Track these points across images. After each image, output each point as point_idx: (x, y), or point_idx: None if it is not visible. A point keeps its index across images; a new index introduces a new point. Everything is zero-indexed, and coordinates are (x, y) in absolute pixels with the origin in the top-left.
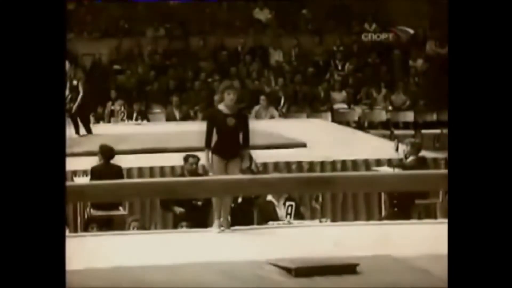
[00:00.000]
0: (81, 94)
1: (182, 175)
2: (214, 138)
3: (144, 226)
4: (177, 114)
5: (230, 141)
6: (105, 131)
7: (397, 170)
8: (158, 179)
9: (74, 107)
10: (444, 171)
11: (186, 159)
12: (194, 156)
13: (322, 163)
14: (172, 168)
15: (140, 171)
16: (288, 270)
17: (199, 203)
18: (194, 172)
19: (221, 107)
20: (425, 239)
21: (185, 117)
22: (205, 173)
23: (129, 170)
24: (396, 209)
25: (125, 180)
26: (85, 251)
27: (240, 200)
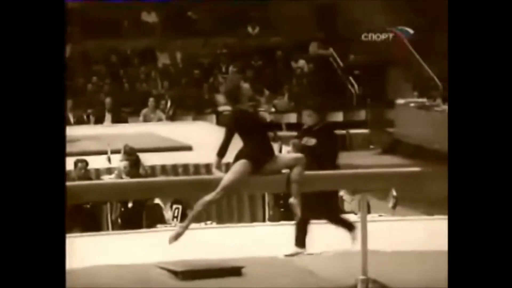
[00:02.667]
0: None
1: (73, 179)
2: None
3: None
4: (71, 118)
5: None
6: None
7: None
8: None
9: None
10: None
11: (75, 164)
12: (82, 161)
13: (208, 166)
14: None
15: None
16: (175, 273)
17: (88, 206)
18: (84, 177)
19: None
20: (312, 240)
21: (78, 121)
22: (97, 177)
23: None
24: (282, 209)
25: None
26: None
27: (130, 204)
